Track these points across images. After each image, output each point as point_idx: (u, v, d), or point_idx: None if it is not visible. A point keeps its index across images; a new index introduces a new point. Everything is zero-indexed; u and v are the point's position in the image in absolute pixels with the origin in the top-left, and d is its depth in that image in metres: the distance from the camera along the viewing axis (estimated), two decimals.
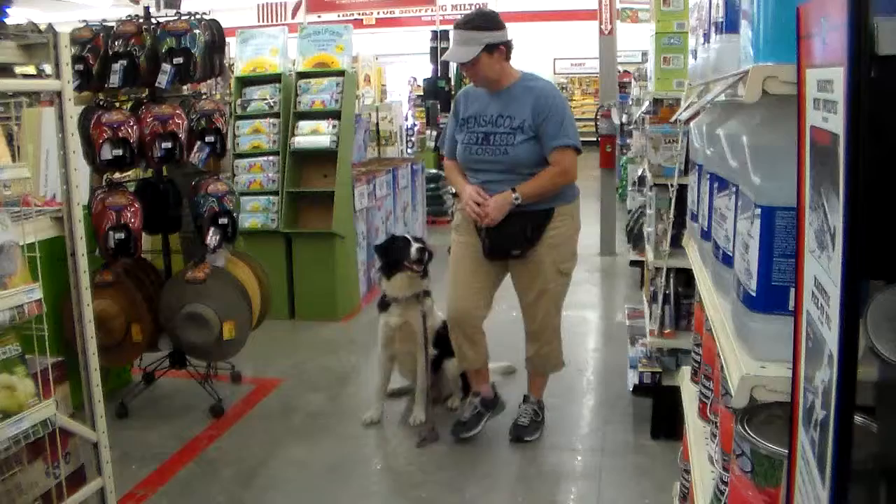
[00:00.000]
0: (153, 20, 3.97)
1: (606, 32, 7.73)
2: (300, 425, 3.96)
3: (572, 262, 3.54)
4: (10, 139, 4.51)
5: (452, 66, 12.34)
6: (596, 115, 9.20)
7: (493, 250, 3.44)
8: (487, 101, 3.40)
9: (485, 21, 3.30)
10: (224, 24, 4.14)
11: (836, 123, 0.79)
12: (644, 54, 11.46)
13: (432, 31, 12.78)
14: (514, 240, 3.39)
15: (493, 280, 3.60)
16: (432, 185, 9.37)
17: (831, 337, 0.80)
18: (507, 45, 3.33)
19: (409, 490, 3.31)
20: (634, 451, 3.54)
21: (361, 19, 17.10)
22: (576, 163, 3.38)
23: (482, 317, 3.62)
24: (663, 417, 3.53)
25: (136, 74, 3.84)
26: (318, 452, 3.64)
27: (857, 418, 0.89)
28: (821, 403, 0.83)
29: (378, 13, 17.76)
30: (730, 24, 1.53)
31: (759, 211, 1.24)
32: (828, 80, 0.82)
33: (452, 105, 3.63)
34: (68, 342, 2.79)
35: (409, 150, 10.71)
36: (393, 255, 3.80)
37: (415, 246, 3.72)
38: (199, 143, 3.92)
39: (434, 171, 10.00)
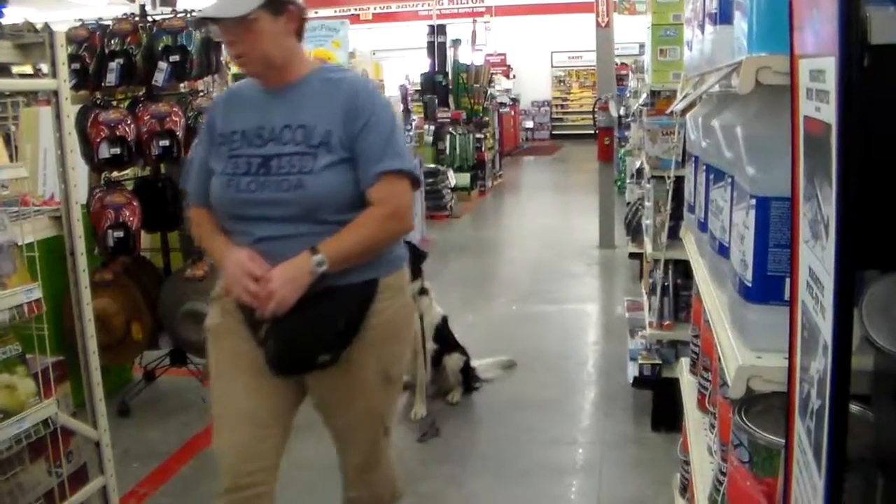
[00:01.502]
0: (149, 18, 3.97)
1: (603, 25, 7.73)
2: (301, 421, 3.94)
3: (403, 363, 2.28)
4: (7, 139, 4.51)
5: (450, 59, 12.40)
6: (594, 107, 9.20)
7: (284, 360, 2.01)
8: (266, 105, 2.04)
9: None
10: None
11: (829, 113, 0.79)
12: (641, 46, 11.47)
13: (429, 25, 12.78)
14: (320, 338, 1.99)
15: (287, 404, 2.19)
16: (430, 180, 9.39)
17: (826, 327, 0.80)
18: (301, 14, 2.04)
19: (411, 485, 3.31)
20: (635, 443, 3.55)
21: (358, 14, 17.13)
22: (412, 201, 2.10)
23: (271, 475, 2.15)
24: (663, 409, 3.54)
25: (133, 73, 3.85)
26: (319, 448, 3.63)
27: (853, 407, 0.90)
28: (816, 393, 0.84)
29: (374, 8, 17.76)
30: (723, 16, 1.53)
31: (753, 201, 1.25)
32: (820, 69, 0.82)
33: (206, 118, 2.25)
34: (69, 341, 2.79)
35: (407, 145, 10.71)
36: None
37: None
38: (196, 140, 3.92)
39: (433, 165, 10.01)
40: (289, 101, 2.03)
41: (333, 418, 2.27)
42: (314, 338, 1.99)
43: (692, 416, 2.09)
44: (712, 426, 1.74)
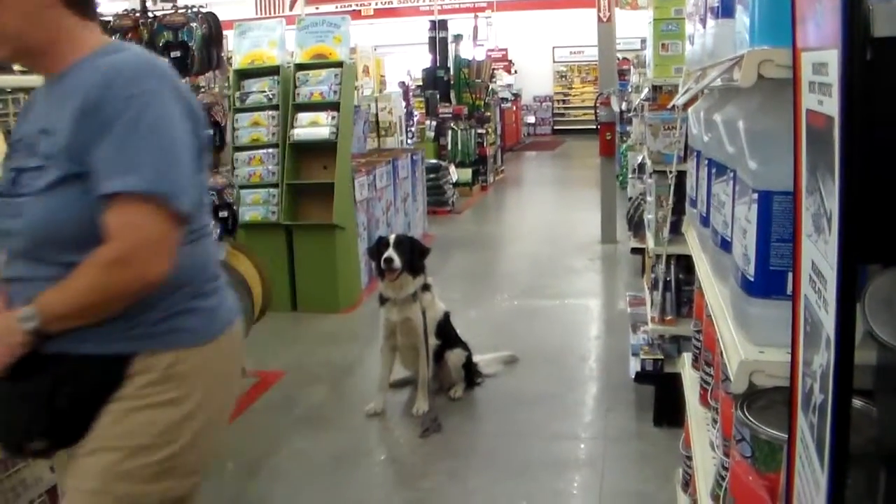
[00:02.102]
0: (150, 14, 3.96)
1: (605, 20, 7.71)
2: (303, 417, 3.97)
3: (166, 485, 1.60)
4: (8, 135, 4.51)
5: (452, 54, 12.38)
6: (596, 102, 9.19)
7: None
8: (38, 105, 1.60)
9: None
10: (221, 17, 4.13)
11: (831, 106, 0.79)
12: (643, 41, 11.45)
13: (430, 20, 12.76)
14: (26, 417, 1.50)
15: None
16: (432, 176, 9.39)
17: (828, 321, 0.80)
18: None
19: (413, 480, 3.33)
20: (637, 438, 3.55)
21: (359, 10, 17.14)
22: (166, 238, 1.46)
23: None
24: (665, 404, 3.53)
25: None
26: (321, 444, 3.65)
27: (856, 402, 0.89)
28: (819, 388, 0.83)
29: (376, 4, 17.77)
30: (725, 9, 1.52)
31: (756, 196, 1.24)
32: (823, 62, 0.82)
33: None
34: None
35: (408, 141, 10.72)
36: (376, 258, 3.85)
37: (384, 255, 3.76)
38: None
39: (434, 161, 10.01)
40: (50, 97, 1.54)
41: None
42: (19, 416, 1.50)
43: (694, 411, 2.09)
44: (714, 421, 1.74)
